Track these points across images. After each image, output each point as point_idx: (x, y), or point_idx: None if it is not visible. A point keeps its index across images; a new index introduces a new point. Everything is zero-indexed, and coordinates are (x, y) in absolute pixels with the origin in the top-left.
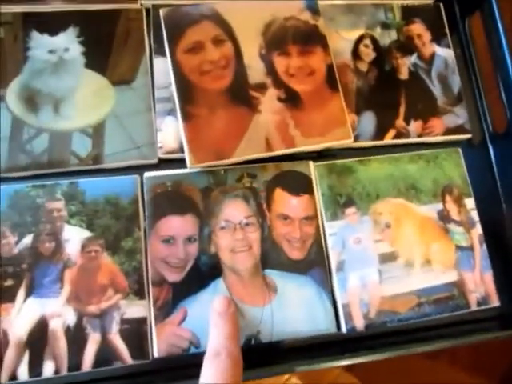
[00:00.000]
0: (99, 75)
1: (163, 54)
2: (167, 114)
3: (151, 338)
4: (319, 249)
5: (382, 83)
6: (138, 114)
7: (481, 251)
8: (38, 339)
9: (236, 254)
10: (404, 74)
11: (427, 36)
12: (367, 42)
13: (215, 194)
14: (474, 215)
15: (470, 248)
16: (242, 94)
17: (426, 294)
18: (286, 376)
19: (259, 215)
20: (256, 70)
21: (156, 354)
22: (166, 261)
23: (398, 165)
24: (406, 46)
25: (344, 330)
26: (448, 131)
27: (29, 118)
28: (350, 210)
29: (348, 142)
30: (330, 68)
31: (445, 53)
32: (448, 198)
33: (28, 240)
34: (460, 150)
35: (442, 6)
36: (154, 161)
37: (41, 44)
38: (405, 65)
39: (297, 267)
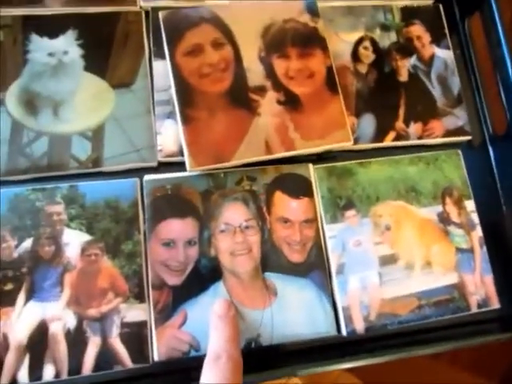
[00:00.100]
0: (99, 78)
1: (163, 57)
2: (167, 117)
3: (151, 342)
4: (319, 251)
5: (382, 85)
6: (138, 116)
7: (481, 253)
8: (38, 343)
9: (236, 257)
10: (404, 76)
11: (427, 37)
12: (367, 44)
13: (215, 197)
14: (474, 217)
15: (471, 250)
16: (241, 97)
17: (427, 296)
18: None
19: (259, 218)
20: (255, 73)
21: (156, 358)
22: (166, 264)
23: (397, 167)
24: (406, 47)
25: (344, 332)
26: (448, 133)
27: (28, 121)
28: (350, 213)
29: (348, 145)
30: (329, 70)
31: (444, 54)
32: (448, 200)
33: (28, 244)
34: (460, 151)
35: (441, 7)
36: (154, 164)
37: (40, 47)
38: (404, 67)
39: (297, 270)
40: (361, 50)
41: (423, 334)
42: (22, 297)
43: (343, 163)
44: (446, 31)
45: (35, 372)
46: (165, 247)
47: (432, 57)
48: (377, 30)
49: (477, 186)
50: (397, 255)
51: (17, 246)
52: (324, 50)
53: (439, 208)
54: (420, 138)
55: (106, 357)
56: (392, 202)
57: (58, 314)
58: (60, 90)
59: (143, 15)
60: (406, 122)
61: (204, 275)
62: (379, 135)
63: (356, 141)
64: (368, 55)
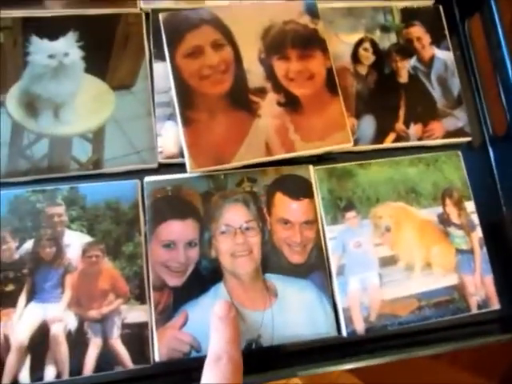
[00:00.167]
0: (99, 80)
1: (163, 59)
2: (167, 119)
3: (152, 343)
4: (319, 253)
5: (382, 86)
6: (138, 118)
7: (481, 254)
8: (39, 344)
9: (236, 258)
10: (404, 77)
11: (427, 39)
12: (367, 45)
13: (215, 199)
14: (474, 218)
15: (471, 251)
16: (241, 99)
17: (427, 297)
18: None
19: (259, 219)
20: (255, 75)
21: (157, 359)
22: (167, 265)
23: (397, 168)
24: (406, 48)
25: (344, 333)
26: (448, 134)
27: (29, 123)
28: (350, 214)
29: (348, 146)
30: (329, 72)
31: (444, 55)
32: (448, 201)
33: (29, 245)
34: (460, 153)
35: (441, 8)
36: (154, 165)
37: (40, 49)
38: (404, 68)
39: (297, 271)
40: (361, 51)
41: (423, 335)
42: (23, 298)
43: (343, 164)
44: (446, 32)
45: (36, 373)
46: (165, 248)
47: (432, 58)
48: (377, 31)
49: (477, 187)
50: (397, 256)
51: (18, 248)
52: (324, 52)
53: (439, 209)
54: (420, 139)
55: (106, 358)
56: (392, 204)
57: (59, 316)
58: (60, 91)
59: (143, 17)
60: (406, 124)
61: (204, 276)
62: (379, 136)
63: (356, 142)
64: (368, 56)
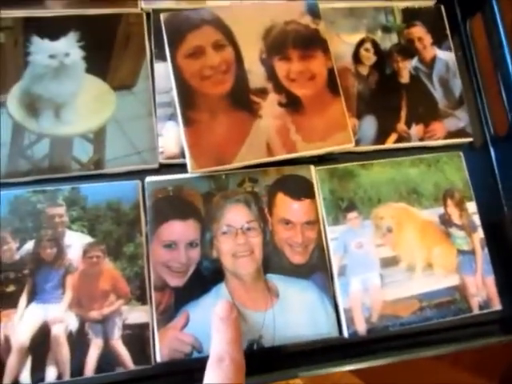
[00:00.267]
0: (100, 80)
1: (164, 59)
2: (168, 119)
3: (153, 343)
4: (321, 253)
5: (383, 87)
6: (139, 118)
7: (482, 255)
8: (40, 345)
9: (238, 258)
10: (405, 78)
11: (428, 39)
12: (368, 45)
13: (217, 199)
14: (476, 219)
15: (472, 252)
16: (242, 99)
17: (428, 298)
18: None
19: (261, 220)
20: (257, 75)
21: (158, 359)
22: (168, 266)
23: (399, 169)
24: (407, 49)
25: (346, 334)
26: (449, 135)
27: (30, 123)
28: (352, 215)
29: (349, 147)
30: (330, 72)
31: (446, 56)
32: (449, 201)
33: (29, 246)
34: (461, 153)
35: (442, 8)
36: (155, 166)
37: (41, 49)
38: (406, 68)
39: (299, 272)
40: (362, 51)
41: (425, 336)
42: (23, 299)
43: (345, 165)
44: (448, 32)
45: (37, 374)
46: (166, 249)
47: (433, 58)
48: (378, 31)
49: (478, 188)
50: (398, 257)
51: (18, 248)
52: (325, 52)
53: (441, 210)
54: (421, 139)
55: (107, 358)
56: (393, 204)
57: (60, 316)
58: (61, 92)
59: (144, 17)
60: (408, 124)
61: (206, 277)
62: (381, 137)
63: (357, 143)
64: (369, 57)
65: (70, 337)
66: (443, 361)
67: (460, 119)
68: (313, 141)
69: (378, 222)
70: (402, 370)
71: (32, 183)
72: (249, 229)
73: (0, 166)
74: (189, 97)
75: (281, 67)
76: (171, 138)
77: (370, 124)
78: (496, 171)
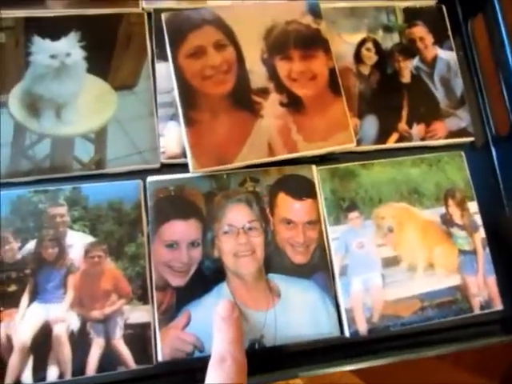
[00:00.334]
0: (101, 80)
1: (165, 59)
2: (169, 119)
3: (155, 343)
4: (322, 253)
5: (385, 87)
6: (140, 118)
7: (484, 255)
8: (41, 344)
9: (239, 258)
10: (406, 78)
11: (429, 39)
12: (369, 45)
13: (218, 199)
14: (477, 219)
15: (473, 252)
16: (244, 99)
17: (429, 298)
18: None
19: (262, 220)
20: (258, 75)
21: (160, 359)
22: (170, 265)
23: (400, 169)
24: (409, 48)
25: (347, 334)
26: (451, 134)
27: (31, 123)
28: (353, 215)
29: (350, 146)
30: (332, 72)
31: (447, 55)
32: (451, 201)
33: (31, 245)
34: (463, 153)
35: (444, 8)
36: (157, 166)
37: (42, 49)
38: (407, 68)
39: (300, 271)
40: (363, 51)
41: (426, 336)
42: (25, 298)
43: (346, 165)
44: (449, 32)
45: (39, 373)
46: (168, 248)
47: (435, 58)
48: (379, 31)
49: (480, 188)
50: (399, 257)
51: (20, 248)
52: (326, 52)
53: (442, 210)
54: (423, 139)
55: (109, 358)
56: (395, 204)
57: (62, 316)
58: (62, 92)
59: (145, 17)
60: (409, 124)
61: (207, 276)
62: (382, 137)
63: (359, 142)
64: (371, 57)
65: (72, 336)
66: (444, 361)
67: (461, 119)
68: (314, 141)
69: (379, 221)
70: (403, 370)
71: (33, 183)
72: (250, 228)
73: (1, 166)
74: (190, 97)
75: (282, 67)
76: (172, 137)
77: (371, 124)
78: (497, 171)
